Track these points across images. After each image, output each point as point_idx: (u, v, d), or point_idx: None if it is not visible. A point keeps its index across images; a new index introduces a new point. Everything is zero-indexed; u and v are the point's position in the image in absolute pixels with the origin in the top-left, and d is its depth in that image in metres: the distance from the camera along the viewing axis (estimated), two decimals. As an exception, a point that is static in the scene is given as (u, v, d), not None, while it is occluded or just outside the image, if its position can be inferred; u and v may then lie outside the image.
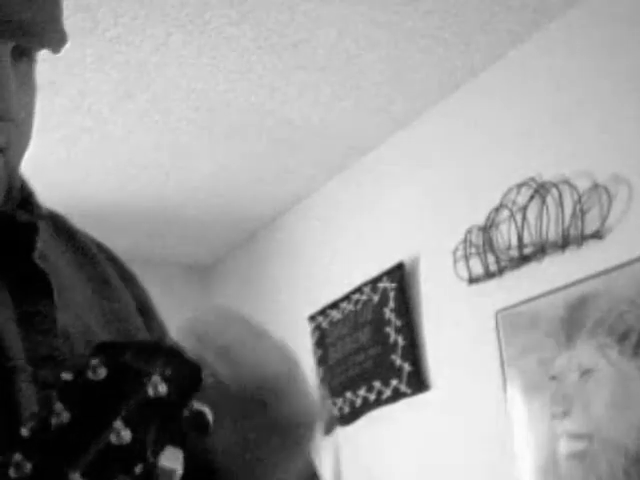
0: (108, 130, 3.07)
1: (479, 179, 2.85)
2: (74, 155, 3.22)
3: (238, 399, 0.65)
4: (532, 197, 2.61)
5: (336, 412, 3.35)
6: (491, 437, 2.69)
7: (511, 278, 2.67)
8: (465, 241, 2.82)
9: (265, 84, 2.86)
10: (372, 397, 3.17)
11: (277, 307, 3.84)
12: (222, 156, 3.34)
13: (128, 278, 0.87)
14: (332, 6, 2.48)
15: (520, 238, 2.63)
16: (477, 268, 2.78)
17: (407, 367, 3.02)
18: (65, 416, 0.47)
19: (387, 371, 3.10)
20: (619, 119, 2.40)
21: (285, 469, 0.70)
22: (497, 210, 2.73)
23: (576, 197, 2.48)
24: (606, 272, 2.36)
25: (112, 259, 0.88)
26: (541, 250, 2.57)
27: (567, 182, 2.52)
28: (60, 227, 0.84)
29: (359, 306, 3.29)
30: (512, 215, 2.67)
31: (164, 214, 3.80)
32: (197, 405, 0.49)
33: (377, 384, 3.14)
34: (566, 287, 2.47)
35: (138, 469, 0.45)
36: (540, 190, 2.59)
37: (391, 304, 3.12)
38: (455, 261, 2.86)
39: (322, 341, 3.48)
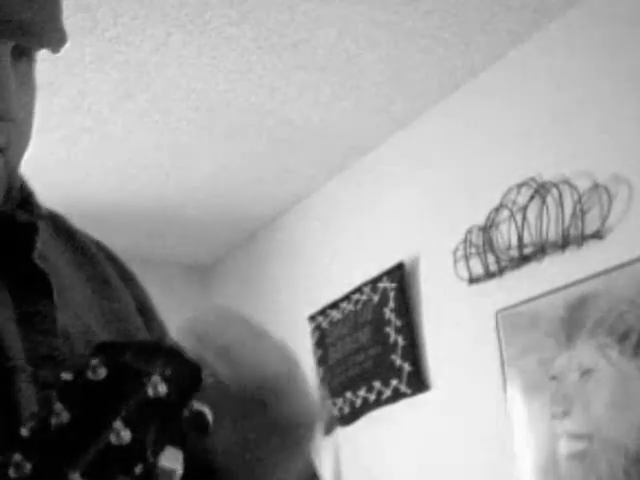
0: (108, 130, 3.07)
1: (479, 179, 2.85)
2: (74, 155, 3.22)
3: (238, 399, 0.65)
4: (532, 197, 2.61)
5: (336, 412, 3.35)
6: (491, 437, 2.69)
7: (511, 278, 2.67)
8: (465, 241, 2.82)
9: (265, 84, 2.86)
10: (372, 397, 3.17)
11: (277, 307, 3.84)
12: (222, 156, 3.34)
13: (128, 278, 0.87)
14: (332, 6, 2.48)
15: (520, 238, 2.63)
16: (477, 268, 2.78)
17: (407, 367, 3.02)
18: (65, 416, 0.47)
19: (387, 371, 3.10)
20: (619, 119, 2.40)
21: (285, 469, 0.70)
22: (497, 210, 2.73)
23: (576, 197, 2.48)
24: (606, 272, 2.36)
25: (112, 259, 0.88)
26: (541, 250, 2.57)
27: (567, 182, 2.52)
28: (59, 227, 0.84)
29: (359, 306, 3.29)
30: (512, 215, 2.67)
31: (164, 214, 3.80)
32: (197, 405, 0.49)
33: (377, 384, 3.14)
34: (566, 287, 2.47)
35: (138, 469, 0.45)
36: (540, 190, 2.59)
37: (391, 304, 3.12)
38: (455, 261, 2.86)
39: (322, 341, 3.48)
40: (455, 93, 2.96)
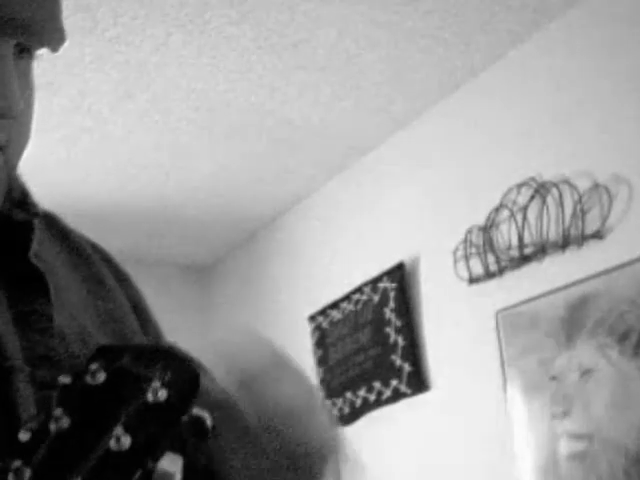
0: (108, 130, 3.07)
1: (479, 179, 2.85)
2: (74, 155, 3.22)
3: (256, 428, 0.66)
4: (532, 197, 2.61)
5: (336, 412, 3.35)
6: (491, 437, 2.69)
7: (511, 278, 2.67)
8: (465, 241, 2.82)
9: (265, 84, 2.86)
10: (372, 397, 3.16)
11: (277, 307, 3.84)
12: (222, 156, 3.34)
13: (123, 279, 0.87)
14: (332, 6, 2.48)
15: (520, 238, 2.62)
16: (477, 268, 2.78)
17: (407, 367, 3.02)
18: (65, 421, 0.47)
19: (387, 371, 3.10)
20: (619, 119, 2.40)
21: None
22: (497, 210, 2.73)
23: (576, 197, 2.48)
24: (606, 272, 2.36)
25: (107, 260, 0.88)
26: (541, 250, 2.57)
27: (567, 182, 2.52)
28: (55, 227, 0.84)
29: (359, 306, 3.28)
30: (512, 215, 2.67)
31: (164, 214, 3.80)
32: (196, 410, 0.49)
33: (377, 384, 3.14)
34: (566, 287, 2.46)
35: (137, 475, 0.45)
36: (540, 190, 2.59)
37: (391, 304, 3.12)
38: (455, 261, 2.86)
39: (322, 341, 3.48)
40: (455, 93, 2.96)
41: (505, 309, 2.65)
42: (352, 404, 3.26)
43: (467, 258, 2.81)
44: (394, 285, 3.11)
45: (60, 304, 0.74)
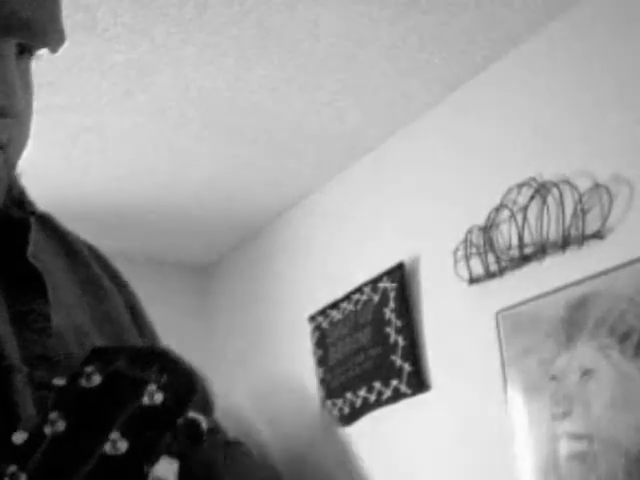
0: (108, 130, 3.06)
1: (479, 179, 2.85)
2: (74, 155, 3.21)
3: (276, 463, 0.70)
4: (533, 197, 2.61)
5: (336, 413, 3.35)
6: (491, 437, 2.69)
7: (512, 278, 2.67)
8: (465, 241, 2.82)
9: (265, 84, 2.86)
10: (372, 397, 3.16)
11: (277, 307, 3.84)
12: (222, 156, 3.34)
13: (119, 281, 0.87)
14: (332, 6, 2.48)
15: (521, 238, 2.62)
16: (477, 268, 2.77)
17: (407, 367, 3.02)
18: (60, 425, 0.46)
19: (387, 371, 3.09)
20: (620, 118, 2.40)
21: None
22: (497, 210, 2.72)
23: (577, 197, 2.48)
24: (607, 272, 2.35)
25: (103, 261, 0.88)
26: (542, 250, 2.57)
27: (568, 182, 2.51)
28: (50, 227, 0.84)
29: (359, 306, 3.28)
30: (513, 215, 2.67)
31: (164, 214, 3.80)
32: (191, 414, 0.48)
33: (377, 384, 3.14)
34: (567, 287, 2.46)
35: None
36: (541, 190, 2.59)
37: (391, 304, 3.12)
38: (455, 261, 2.86)
39: (322, 341, 3.48)
40: (455, 93, 2.96)
41: (505, 309, 2.65)
42: (352, 404, 3.26)
43: (467, 258, 2.80)
44: (394, 285, 3.11)
45: (57, 304, 0.74)
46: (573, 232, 2.48)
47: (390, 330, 3.11)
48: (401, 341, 3.05)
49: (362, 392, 3.21)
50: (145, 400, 0.47)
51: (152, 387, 0.47)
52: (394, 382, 3.06)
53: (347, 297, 3.35)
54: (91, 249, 0.87)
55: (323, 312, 3.48)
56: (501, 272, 2.70)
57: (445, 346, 2.94)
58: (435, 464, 2.93)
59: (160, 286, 4.20)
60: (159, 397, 0.47)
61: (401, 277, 3.10)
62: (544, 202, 2.57)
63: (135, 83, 2.79)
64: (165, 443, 0.46)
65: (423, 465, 2.98)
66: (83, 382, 0.48)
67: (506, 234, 2.70)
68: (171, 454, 0.46)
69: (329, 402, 3.39)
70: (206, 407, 0.52)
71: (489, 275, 2.73)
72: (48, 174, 3.29)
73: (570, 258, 2.49)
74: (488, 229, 2.75)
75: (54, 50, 0.73)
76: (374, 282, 3.21)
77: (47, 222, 0.84)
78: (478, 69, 2.84)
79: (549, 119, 2.62)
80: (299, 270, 3.74)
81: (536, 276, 2.58)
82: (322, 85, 2.88)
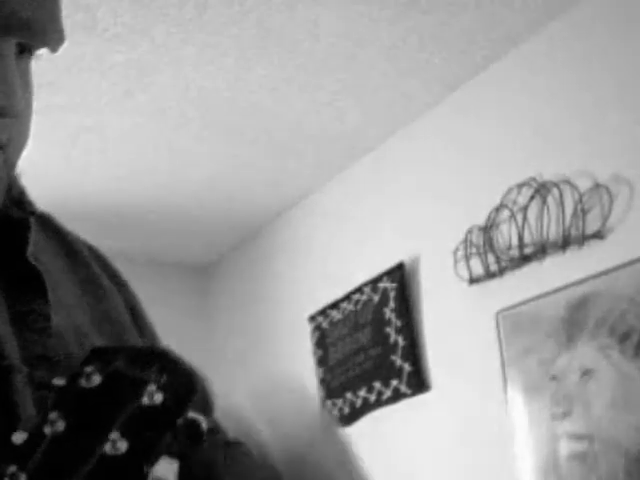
0: (108, 130, 3.06)
1: (479, 179, 2.85)
2: (74, 155, 3.21)
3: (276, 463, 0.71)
4: (533, 197, 2.61)
5: (336, 413, 3.35)
6: (491, 438, 2.69)
7: (512, 278, 2.67)
8: (465, 241, 2.82)
9: (265, 84, 2.86)
10: (372, 398, 3.16)
11: (277, 307, 3.84)
12: (222, 156, 3.33)
13: (118, 281, 0.87)
14: (332, 6, 2.48)
15: (521, 238, 2.62)
16: (477, 268, 2.77)
17: (407, 367, 3.02)
18: (60, 425, 0.46)
19: (387, 371, 3.09)
20: (620, 118, 2.40)
21: None
22: (498, 210, 2.72)
23: (577, 197, 2.48)
24: (607, 272, 2.35)
25: (102, 261, 0.88)
26: (542, 250, 2.56)
27: (568, 182, 2.51)
28: (50, 228, 0.84)
29: (359, 306, 3.28)
30: (513, 215, 2.67)
31: (164, 214, 3.80)
32: (191, 414, 0.48)
33: (377, 384, 3.14)
34: (567, 287, 2.46)
35: None
36: (541, 190, 2.59)
37: (391, 304, 3.12)
38: (455, 261, 2.86)
39: (322, 341, 3.47)
40: (455, 92, 2.96)
41: (505, 309, 2.65)
42: (352, 404, 3.26)
43: (467, 258, 2.80)
44: (394, 285, 3.11)
45: (57, 304, 0.74)
46: (573, 232, 2.48)
47: (390, 330, 3.11)
48: (401, 341, 3.05)
49: (362, 392, 3.21)
50: (145, 400, 0.47)
51: (152, 387, 0.47)
52: (394, 382, 3.06)
53: (347, 297, 3.35)
54: (91, 249, 0.87)
55: (323, 312, 3.48)
56: (501, 272, 2.70)
57: (445, 346, 2.94)
58: (435, 464, 2.93)
59: (160, 286, 4.20)
60: (159, 397, 0.47)
61: (401, 277, 3.10)
62: (544, 202, 2.57)
63: (135, 83, 2.79)
64: (165, 443, 0.46)
65: (423, 465, 2.98)
66: (83, 382, 0.48)
67: (506, 234, 2.70)
68: (171, 454, 0.46)
69: (329, 402, 3.38)
70: (206, 407, 0.52)
71: (489, 275, 2.73)
72: (48, 174, 3.29)
73: (570, 258, 2.49)
74: (488, 229, 2.75)
75: (54, 50, 0.73)
76: (374, 282, 3.21)
77: (47, 222, 0.84)
78: (478, 69, 2.84)
79: (549, 119, 2.62)
80: (299, 270, 3.74)
81: (536, 276, 2.58)
82: (322, 85, 2.88)
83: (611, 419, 2.29)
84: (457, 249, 2.85)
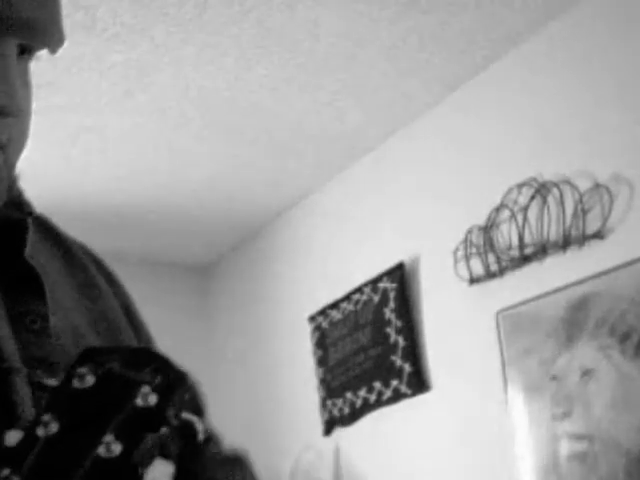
0: (107, 130, 3.06)
1: (479, 179, 2.84)
2: (74, 155, 3.21)
3: None
4: (533, 197, 2.60)
5: (337, 413, 3.35)
6: (492, 438, 2.68)
7: (512, 278, 2.67)
8: (466, 241, 2.81)
9: (265, 84, 2.85)
10: (372, 398, 3.16)
11: (277, 308, 3.84)
12: (222, 156, 3.33)
13: (113, 282, 0.87)
14: (332, 6, 2.48)
15: (521, 238, 2.62)
16: (478, 268, 2.77)
17: (407, 368, 3.01)
18: (54, 426, 0.46)
19: (387, 372, 3.09)
20: (620, 118, 2.40)
21: None
22: (498, 210, 2.72)
23: (577, 197, 2.48)
24: (607, 272, 2.35)
25: (98, 262, 0.88)
26: (542, 250, 2.56)
27: (568, 182, 2.51)
28: (46, 229, 0.84)
29: (359, 306, 3.28)
30: (513, 215, 2.66)
31: (164, 214, 3.80)
32: (186, 415, 0.48)
33: (377, 385, 3.14)
34: (567, 287, 2.46)
35: None
36: (541, 190, 2.59)
37: (391, 304, 3.11)
38: (456, 261, 2.86)
39: (322, 341, 3.47)
40: (455, 92, 2.96)
41: (506, 309, 2.65)
42: (352, 404, 3.26)
43: (467, 258, 2.80)
44: (394, 285, 3.11)
45: (55, 305, 0.74)
46: (573, 232, 2.48)
47: (390, 330, 3.11)
48: (401, 341, 3.05)
49: (362, 392, 3.21)
50: (139, 402, 0.47)
51: (146, 389, 0.47)
52: (394, 382, 3.06)
53: (347, 297, 3.35)
54: (86, 251, 0.87)
55: (323, 312, 3.48)
56: (501, 272, 2.69)
57: (445, 346, 2.94)
58: (435, 464, 2.93)
59: (160, 286, 4.20)
60: (153, 399, 0.47)
61: (401, 277, 3.10)
62: (544, 202, 2.57)
63: (135, 83, 2.79)
64: (159, 445, 0.46)
65: (423, 465, 2.98)
66: (76, 383, 0.47)
67: (506, 234, 2.70)
68: (166, 457, 0.46)
69: (329, 402, 3.38)
70: (198, 410, 0.51)
71: (489, 275, 2.73)
72: (48, 174, 3.29)
73: (570, 258, 2.49)
74: (488, 229, 2.74)
75: (54, 51, 0.73)
76: (374, 282, 3.21)
77: (44, 224, 0.84)
78: (478, 69, 2.84)
79: (549, 119, 2.62)
80: (299, 270, 3.73)
81: (536, 276, 2.58)
82: (322, 85, 2.88)
83: (611, 419, 2.28)
84: (457, 249, 2.85)
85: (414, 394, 3.00)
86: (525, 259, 2.61)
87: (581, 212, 2.46)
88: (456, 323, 2.88)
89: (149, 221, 3.85)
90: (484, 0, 2.49)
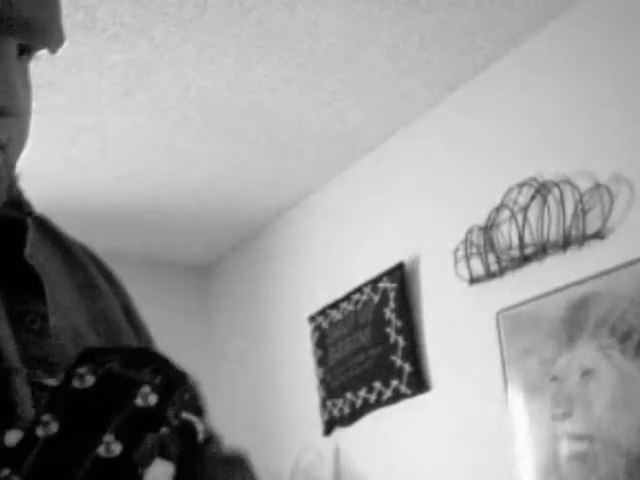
0: (107, 130, 3.06)
1: (479, 179, 2.84)
2: (74, 155, 3.21)
3: None
4: (533, 197, 2.60)
5: (337, 413, 3.35)
6: (492, 438, 2.68)
7: (512, 278, 2.67)
8: (466, 241, 2.81)
9: (265, 84, 2.85)
10: (372, 398, 3.16)
11: (277, 308, 3.84)
12: (222, 156, 3.33)
13: (113, 282, 0.87)
14: (332, 6, 2.48)
15: (521, 238, 2.62)
16: (478, 268, 2.77)
17: (407, 368, 3.01)
18: (53, 426, 0.46)
19: (387, 372, 3.09)
20: (621, 118, 2.40)
21: None
22: (498, 210, 2.72)
23: (577, 197, 2.48)
24: (607, 272, 2.35)
25: (97, 262, 0.88)
26: (542, 250, 2.56)
27: (568, 182, 2.51)
28: (45, 229, 0.84)
29: (359, 306, 3.28)
30: (513, 215, 2.66)
31: (164, 214, 3.80)
32: (186, 415, 0.48)
33: (377, 385, 3.13)
34: (567, 287, 2.46)
35: None
36: (541, 190, 2.58)
37: (391, 304, 3.11)
38: (456, 261, 2.86)
39: (322, 342, 3.47)
40: (455, 92, 2.96)
41: (506, 309, 2.65)
42: (352, 405, 3.26)
43: (468, 258, 2.80)
44: (394, 285, 3.11)
45: (55, 305, 0.74)
46: (574, 232, 2.48)
47: (390, 330, 3.10)
48: (401, 341, 3.05)
49: (362, 392, 3.21)
50: (139, 402, 0.46)
51: (146, 389, 0.47)
52: (394, 382, 3.06)
53: (347, 297, 3.35)
54: (86, 251, 0.87)
55: (323, 312, 3.48)
56: (501, 272, 2.69)
57: (445, 346, 2.93)
58: (435, 464, 2.93)
59: (160, 286, 4.20)
60: (153, 399, 0.47)
61: (401, 277, 3.09)
62: (545, 202, 2.57)
63: (135, 83, 2.79)
64: (159, 445, 0.46)
65: (423, 465, 2.98)
66: (76, 383, 0.47)
67: (506, 234, 2.70)
68: (166, 457, 0.46)
69: (329, 402, 3.38)
70: (198, 410, 0.51)
71: (489, 275, 2.73)
72: (48, 174, 3.29)
73: (571, 258, 2.49)
74: (488, 229, 2.74)
75: (53, 51, 0.73)
76: (374, 282, 3.21)
77: (44, 224, 0.84)
78: (478, 69, 2.84)
79: (549, 119, 2.62)
80: (299, 270, 3.73)
81: (537, 276, 2.58)
82: (322, 85, 2.88)
83: (612, 419, 2.28)
84: (457, 249, 2.85)
85: (414, 394, 3.00)
86: (525, 259, 2.61)
87: (581, 212, 2.46)
88: (456, 323, 2.88)
89: (149, 221, 3.85)
90: (484, 0, 2.49)
